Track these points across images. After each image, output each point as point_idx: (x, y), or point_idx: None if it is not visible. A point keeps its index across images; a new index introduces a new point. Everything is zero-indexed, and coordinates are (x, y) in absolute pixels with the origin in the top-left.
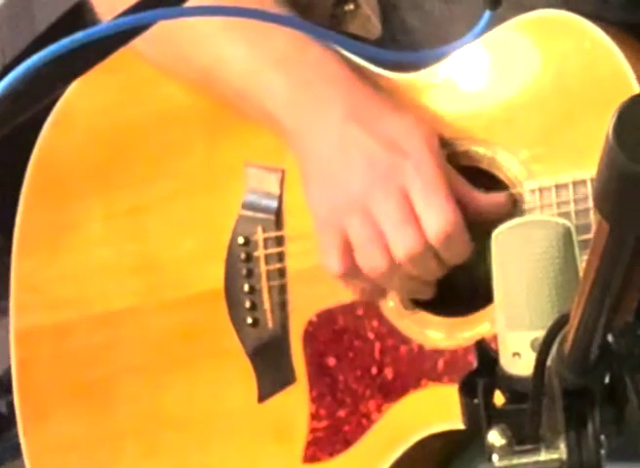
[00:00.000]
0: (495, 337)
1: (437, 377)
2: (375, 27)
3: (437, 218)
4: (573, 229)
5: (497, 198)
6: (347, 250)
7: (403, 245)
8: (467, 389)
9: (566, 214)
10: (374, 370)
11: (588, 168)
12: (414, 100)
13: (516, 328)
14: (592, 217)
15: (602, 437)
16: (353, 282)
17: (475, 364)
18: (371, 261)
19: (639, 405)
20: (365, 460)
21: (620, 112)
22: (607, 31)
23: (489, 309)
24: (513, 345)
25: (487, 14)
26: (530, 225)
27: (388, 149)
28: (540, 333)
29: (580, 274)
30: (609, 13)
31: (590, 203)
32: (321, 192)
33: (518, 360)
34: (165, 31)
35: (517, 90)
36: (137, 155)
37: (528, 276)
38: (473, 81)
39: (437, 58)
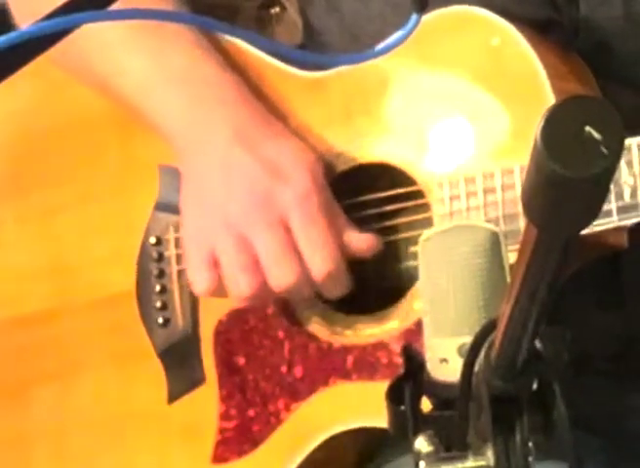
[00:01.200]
0: (402, 335)
1: (346, 375)
2: (300, 32)
3: (321, 257)
4: (501, 234)
5: (368, 239)
6: (215, 270)
7: (283, 279)
8: (394, 395)
9: (475, 208)
10: (283, 369)
11: (497, 161)
12: (320, 99)
13: (443, 334)
14: (501, 211)
15: (530, 443)
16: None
17: (384, 361)
18: (240, 286)
19: (567, 411)
20: (272, 460)
21: (548, 116)
22: (517, 27)
23: (397, 306)
24: (440, 351)
25: (414, 17)
26: (457, 231)
27: (270, 175)
28: (468, 339)
29: (508, 279)
30: (522, 9)
31: (499, 196)
32: (197, 211)
33: (445, 366)
34: (72, 38)
35: (427, 86)
36: (51, 159)
37: (455, 282)
38: (385, 78)
39: (356, 62)
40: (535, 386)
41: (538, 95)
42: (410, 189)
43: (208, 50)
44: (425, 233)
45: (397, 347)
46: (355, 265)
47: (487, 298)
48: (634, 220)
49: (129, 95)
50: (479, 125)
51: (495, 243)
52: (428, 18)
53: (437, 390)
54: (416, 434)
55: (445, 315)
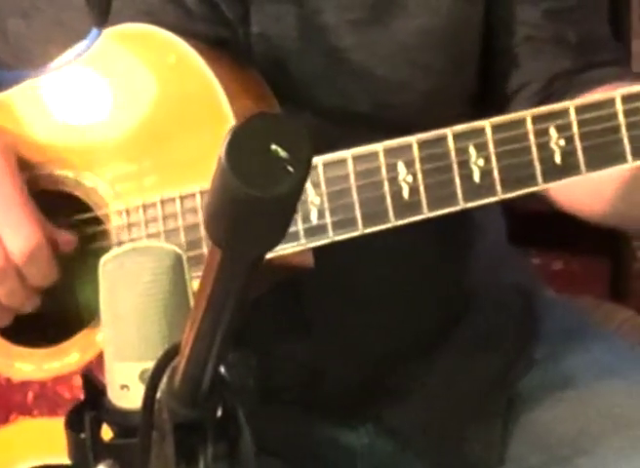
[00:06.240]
0: (83, 368)
1: (27, 411)
2: None
3: (19, 236)
4: (184, 256)
5: (65, 234)
6: None
7: None
8: (74, 423)
9: (156, 235)
10: None
11: (177, 186)
12: (9, 118)
13: (125, 359)
14: (183, 237)
15: None
16: None
17: (66, 395)
18: None
19: (252, 439)
20: None
21: (233, 134)
22: (192, 44)
23: (77, 338)
24: (121, 377)
25: (94, 31)
26: (138, 252)
27: None
28: (150, 365)
29: (192, 302)
30: (193, 25)
31: (180, 221)
32: None
33: (127, 392)
34: None
35: (105, 109)
36: None
37: (137, 305)
38: (58, 101)
39: (30, 77)
40: (219, 413)
41: (216, 114)
42: (86, 216)
43: None
44: (106, 255)
45: (79, 381)
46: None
47: (170, 322)
48: (322, 242)
49: None
50: (159, 148)
51: (177, 264)
52: (107, 34)
53: (118, 418)
54: (96, 463)
55: (126, 339)
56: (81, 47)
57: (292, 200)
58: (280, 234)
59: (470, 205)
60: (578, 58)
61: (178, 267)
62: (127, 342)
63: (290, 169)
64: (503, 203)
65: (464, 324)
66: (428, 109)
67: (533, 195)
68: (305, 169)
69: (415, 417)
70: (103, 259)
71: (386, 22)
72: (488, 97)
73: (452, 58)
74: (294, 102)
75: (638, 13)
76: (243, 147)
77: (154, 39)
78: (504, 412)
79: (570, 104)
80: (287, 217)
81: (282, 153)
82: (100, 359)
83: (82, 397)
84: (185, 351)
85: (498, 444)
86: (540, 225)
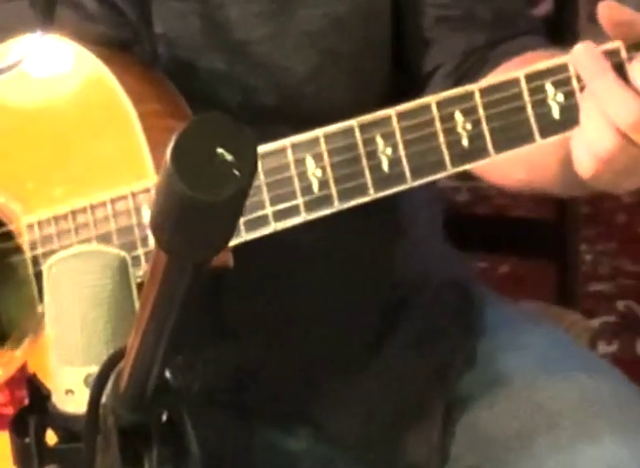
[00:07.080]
0: (5, 384)
1: None
2: None
3: None
4: (128, 260)
5: None
6: None
7: None
8: (18, 427)
9: (69, 247)
10: None
11: (86, 195)
12: None
13: (69, 363)
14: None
15: None
16: None
17: None
18: None
19: (198, 443)
20: None
21: (179, 137)
22: (95, 49)
23: None
24: (66, 381)
25: (38, 34)
26: (84, 256)
27: None
28: (95, 369)
29: (137, 306)
30: (95, 29)
31: (92, 232)
32: None
33: (72, 397)
34: None
35: (11, 121)
36: None
37: (82, 309)
38: None
39: None
40: (165, 417)
41: (121, 119)
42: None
43: None
44: (51, 258)
45: (1, 397)
46: None
47: (115, 326)
48: (236, 241)
49: None
50: (66, 158)
51: (122, 268)
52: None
53: (63, 422)
54: None
55: (71, 344)
56: (24, 50)
57: (238, 203)
58: (227, 237)
59: (381, 194)
60: (492, 32)
61: (123, 271)
62: (71, 347)
63: (236, 172)
64: (446, 204)
65: (400, 323)
66: (343, 99)
67: (478, 198)
68: (251, 171)
69: (353, 421)
70: (48, 263)
71: (291, 12)
72: (406, 83)
73: (361, 44)
74: (202, 102)
75: (586, 12)
76: (188, 151)
77: (54, 47)
78: (444, 414)
79: (474, 87)
80: (233, 220)
81: (228, 156)
82: (22, 373)
83: (6, 413)
84: (131, 355)
85: (438, 446)
86: (486, 229)
